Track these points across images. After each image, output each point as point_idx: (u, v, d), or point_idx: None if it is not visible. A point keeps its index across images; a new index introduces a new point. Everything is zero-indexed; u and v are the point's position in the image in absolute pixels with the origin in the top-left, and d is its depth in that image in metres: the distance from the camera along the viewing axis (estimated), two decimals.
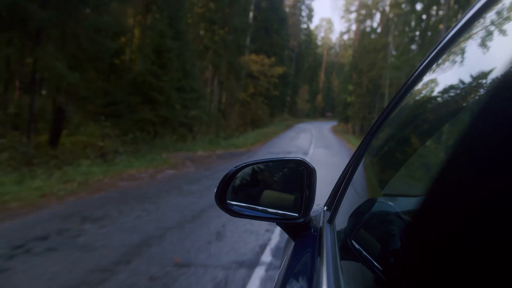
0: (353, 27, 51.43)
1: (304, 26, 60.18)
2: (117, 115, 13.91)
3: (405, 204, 0.67)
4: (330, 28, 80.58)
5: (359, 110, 33.31)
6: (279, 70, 31.95)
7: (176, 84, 19.20)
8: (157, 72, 15.03)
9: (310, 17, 60.74)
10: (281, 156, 12.88)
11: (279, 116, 51.30)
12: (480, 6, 0.67)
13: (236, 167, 1.08)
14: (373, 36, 33.92)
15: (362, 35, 35.86)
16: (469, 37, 0.68)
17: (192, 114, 19.21)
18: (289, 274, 0.99)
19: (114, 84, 15.46)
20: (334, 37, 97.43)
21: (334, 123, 53.15)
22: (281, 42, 37.94)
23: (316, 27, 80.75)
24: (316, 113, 75.03)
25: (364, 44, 34.27)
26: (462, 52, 0.72)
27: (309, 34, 59.72)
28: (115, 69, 15.43)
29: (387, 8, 34.36)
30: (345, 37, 71.33)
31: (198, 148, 15.40)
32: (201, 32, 26.88)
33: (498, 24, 0.58)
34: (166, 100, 15.38)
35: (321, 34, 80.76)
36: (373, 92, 32.80)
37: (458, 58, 0.72)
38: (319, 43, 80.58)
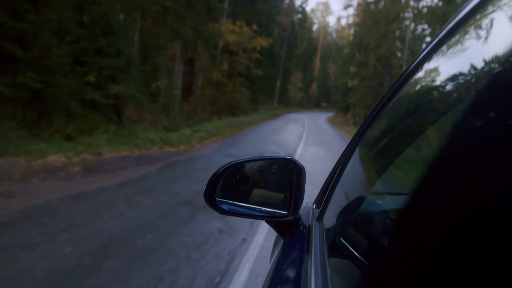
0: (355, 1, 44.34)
1: (298, 2, 52.91)
2: None
3: (394, 202, 0.65)
4: (327, 10, 73.33)
5: (363, 96, 26.50)
6: (262, 42, 24.82)
7: (94, 45, 12.34)
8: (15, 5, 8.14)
9: None
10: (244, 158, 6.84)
11: (268, 105, 44.36)
12: None
13: (224, 166, 1.07)
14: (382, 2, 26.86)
15: (369, 3, 28.75)
16: (477, 23, 0.63)
17: (115, 90, 12.26)
18: (278, 271, 0.99)
19: None
20: (331, 20, 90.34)
21: (330, 114, 46.44)
22: (268, 11, 30.68)
23: (312, 10, 73.60)
24: (310, 103, 68.07)
25: (372, 13, 27.27)
26: (469, 39, 0.65)
27: (304, 12, 52.37)
28: None
29: None
30: (343, 21, 64.53)
31: (104, 143, 8.63)
32: None
33: (510, 8, 0.51)
34: (36, 58, 8.51)
35: (316, 21, 73.71)
36: (381, 74, 26.01)
37: (464, 46, 0.66)
38: (315, 28, 73.51)
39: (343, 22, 60.30)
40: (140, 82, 16.08)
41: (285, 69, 49.14)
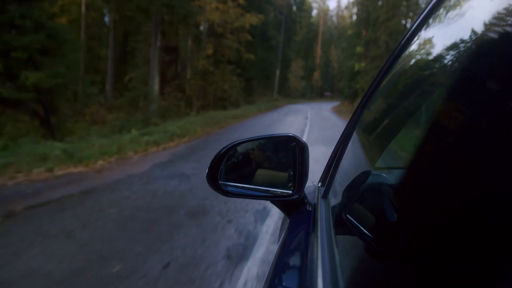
0: None
1: None
2: None
3: (399, 176, 0.63)
4: None
5: (374, 78, 22.61)
6: (251, 19, 20.92)
7: None
8: None
9: None
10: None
11: (267, 96, 40.55)
12: None
13: (224, 146, 1.04)
14: None
15: None
16: None
17: (31, 80, 8.61)
18: (285, 251, 0.98)
19: None
20: (331, 4, 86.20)
21: (335, 103, 42.48)
22: None
23: None
24: (313, 93, 64.01)
25: None
26: (461, 6, 0.63)
27: None
28: None
29: None
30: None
31: None
32: None
33: None
34: None
35: (315, 5, 69.42)
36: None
37: (458, 13, 0.63)
38: (314, 13, 69.36)
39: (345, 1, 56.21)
40: (79, 68, 12.30)
41: (284, 56, 45.16)
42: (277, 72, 44.91)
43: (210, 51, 20.34)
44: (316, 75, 65.03)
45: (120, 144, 6.98)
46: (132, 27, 24.39)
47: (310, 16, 66.43)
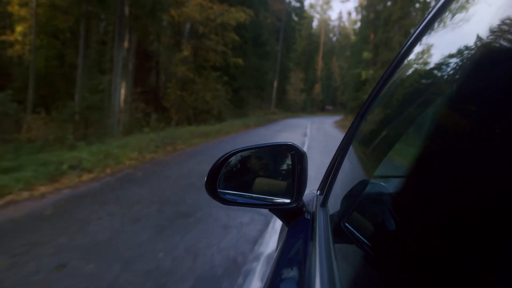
0: None
1: None
2: None
3: (398, 185, 0.64)
4: (327, 3, 66.09)
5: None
6: (238, 15, 17.30)
7: None
8: None
9: None
10: None
11: (263, 109, 36.97)
12: None
13: (223, 155, 1.04)
14: None
15: None
16: None
17: None
18: (282, 260, 0.99)
19: None
20: (332, 15, 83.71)
21: (337, 117, 38.86)
22: None
23: (311, 6, 66.52)
24: (314, 107, 60.46)
25: None
26: (462, 14, 0.63)
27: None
28: None
29: None
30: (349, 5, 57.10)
31: None
32: None
33: None
34: None
35: (316, 16, 66.44)
36: None
37: (456, 23, 0.64)
38: (315, 24, 66.41)
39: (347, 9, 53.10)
40: None
41: (283, 66, 41.74)
42: (275, 84, 41.41)
43: (186, 53, 16.73)
44: (317, 88, 61.52)
45: None
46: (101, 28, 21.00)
47: (310, 27, 63.49)
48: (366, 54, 22.79)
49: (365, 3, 32.26)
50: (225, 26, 17.33)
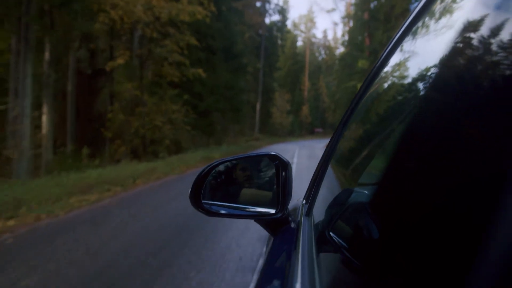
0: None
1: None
2: None
3: (379, 192, 0.65)
4: (311, 21, 63.08)
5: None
6: (194, 9, 12.93)
7: None
8: None
9: None
10: None
11: (245, 135, 32.62)
12: None
13: (207, 166, 1.04)
14: None
15: None
16: (442, 9, 0.62)
17: None
18: (266, 269, 0.99)
19: None
20: (317, 33, 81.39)
21: (328, 140, 34.70)
22: None
23: (295, 24, 63.46)
24: (303, 130, 56.39)
25: None
26: (435, 26, 0.63)
27: (283, 12, 41.18)
28: None
29: None
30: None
31: None
32: None
33: None
34: None
35: (301, 35, 63.33)
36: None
37: (428, 36, 0.65)
38: (299, 44, 63.23)
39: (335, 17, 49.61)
40: None
41: (265, 86, 37.76)
42: (258, 106, 37.31)
43: (121, 61, 12.34)
44: (305, 109, 57.59)
45: None
46: None
47: (295, 46, 60.23)
48: (361, 63, 18.72)
49: (352, 12, 28.62)
50: (177, 24, 13.06)
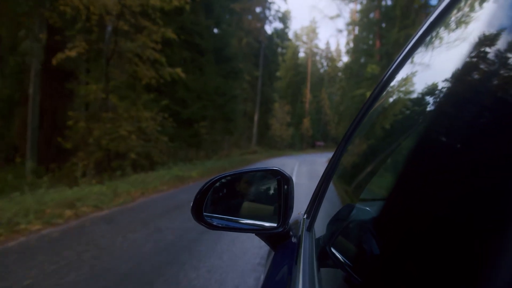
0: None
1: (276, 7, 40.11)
2: None
3: (381, 209, 0.64)
4: (313, 31, 61.14)
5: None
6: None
7: None
8: None
9: None
10: None
11: (242, 148, 30.15)
12: None
13: (210, 179, 1.05)
14: None
15: None
16: (453, 22, 0.60)
17: None
18: (267, 284, 0.98)
19: None
20: (320, 44, 79.74)
21: (330, 154, 32.24)
22: None
23: (296, 36, 61.53)
24: (304, 143, 53.94)
25: None
26: (440, 44, 0.63)
27: (284, 19, 39.03)
28: None
29: None
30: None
31: None
32: None
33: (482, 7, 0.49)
34: None
35: (303, 47, 61.37)
36: None
37: (435, 53, 0.64)
38: (301, 55, 61.27)
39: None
40: None
41: (264, 96, 35.46)
42: (255, 117, 34.94)
43: (72, 53, 9.95)
44: (306, 122, 55.27)
45: None
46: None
47: (297, 57, 58.21)
48: (370, 68, 16.37)
49: (358, 18, 26.43)
50: (150, 16, 10.72)
